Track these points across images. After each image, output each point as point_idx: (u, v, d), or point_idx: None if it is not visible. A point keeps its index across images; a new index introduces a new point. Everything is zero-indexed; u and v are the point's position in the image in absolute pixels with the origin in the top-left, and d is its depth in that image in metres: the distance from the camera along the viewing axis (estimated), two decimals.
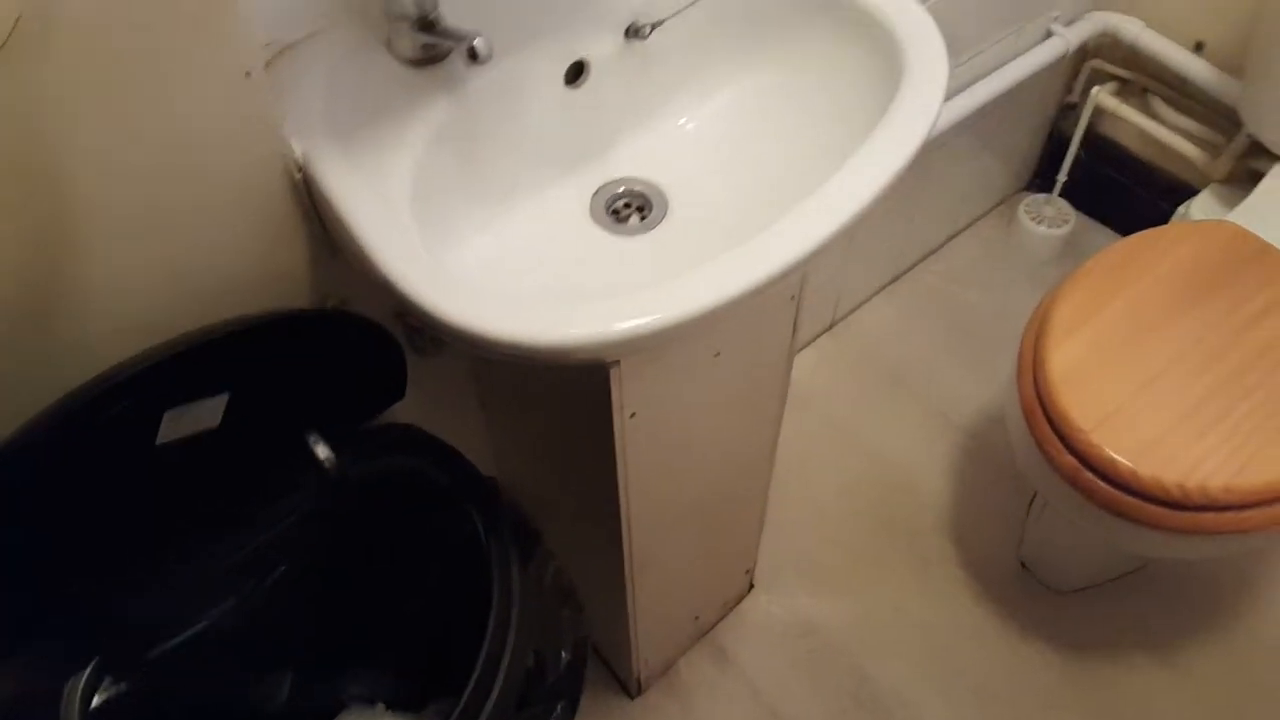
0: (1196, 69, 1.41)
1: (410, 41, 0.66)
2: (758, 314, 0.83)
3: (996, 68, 1.36)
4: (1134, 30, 1.45)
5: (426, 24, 0.65)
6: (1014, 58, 1.39)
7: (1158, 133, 1.50)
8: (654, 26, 0.77)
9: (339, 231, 0.62)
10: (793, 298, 0.87)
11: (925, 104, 0.68)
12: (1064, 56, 1.42)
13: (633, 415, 0.72)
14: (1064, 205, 1.68)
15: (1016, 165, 1.71)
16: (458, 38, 0.63)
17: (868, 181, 0.64)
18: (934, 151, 1.30)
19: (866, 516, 1.39)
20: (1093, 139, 1.61)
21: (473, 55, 0.61)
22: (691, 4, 0.78)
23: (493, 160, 0.71)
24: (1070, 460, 0.98)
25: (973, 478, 1.44)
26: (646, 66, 0.78)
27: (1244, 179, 1.37)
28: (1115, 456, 0.96)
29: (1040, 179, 1.74)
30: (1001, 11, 1.31)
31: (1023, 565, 1.34)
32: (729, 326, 0.79)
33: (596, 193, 0.77)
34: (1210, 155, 1.44)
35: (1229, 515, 0.95)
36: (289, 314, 0.68)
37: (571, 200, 0.77)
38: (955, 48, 1.22)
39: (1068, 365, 1.02)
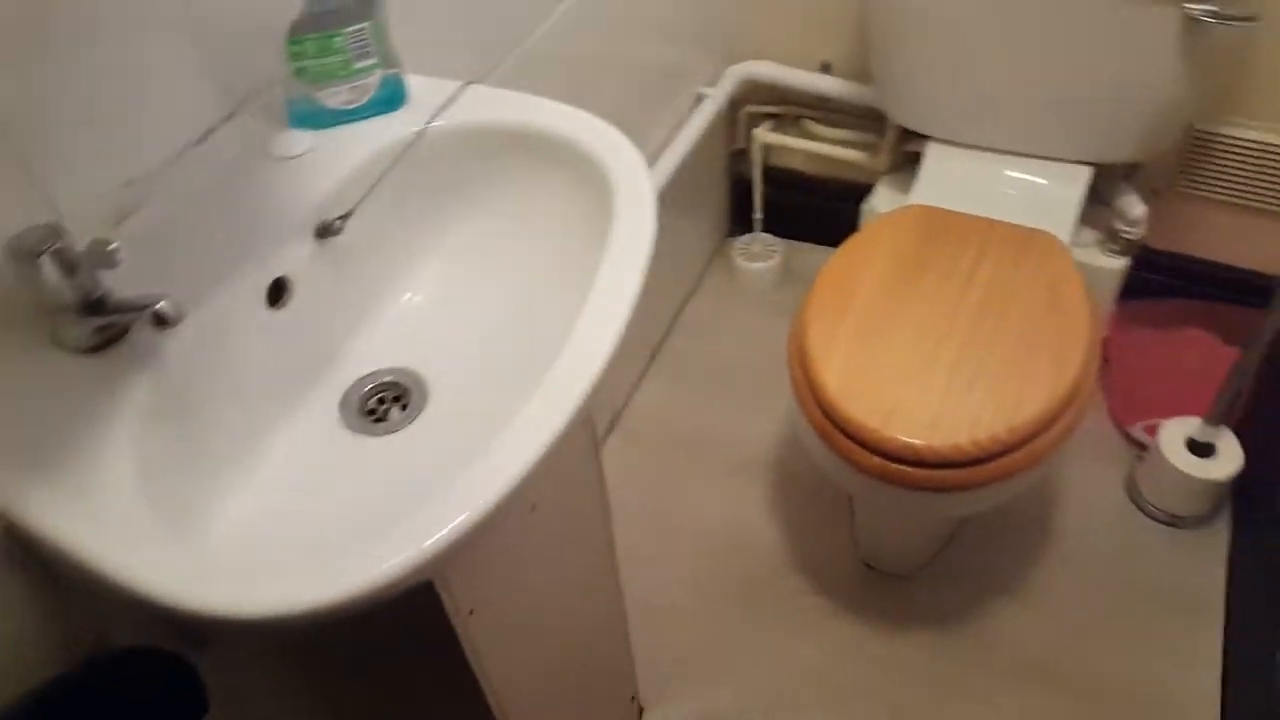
0: (830, 86, 1.57)
1: (80, 330, 0.59)
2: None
3: (666, 145, 1.45)
4: (768, 71, 1.59)
5: (94, 306, 0.58)
6: (678, 130, 1.48)
7: (821, 150, 1.64)
8: (343, 218, 0.74)
9: (67, 567, 0.53)
10: (585, 422, 0.86)
11: (640, 223, 0.70)
12: (720, 114, 1.53)
13: (471, 612, 0.68)
14: (768, 238, 1.79)
15: (715, 218, 1.82)
16: (137, 308, 0.57)
17: (625, 296, 0.65)
18: None
19: (720, 591, 1.39)
20: (771, 173, 1.74)
21: (160, 321, 0.56)
22: (376, 184, 0.76)
23: (218, 416, 0.65)
24: (875, 460, 1.03)
25: (794, 507, 1.48)
26: (349, 259, 0.76)
27: (906, 164, 1.52)
28: (911, 440, 1.01)
29: (741, 223, 1.86)
30: (649, 97, 1.39)
31: (868, 566, 1.39)
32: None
33: (343, 402, 0.73)
34: (872, 153, 1.59)
35: (1022, 452, 1.03)
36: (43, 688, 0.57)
37: (320, 418, 0.72)
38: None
39: (839, 380, 1.07)
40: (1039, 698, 1.25)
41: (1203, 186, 1.45)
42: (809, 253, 1.82)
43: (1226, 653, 1.27)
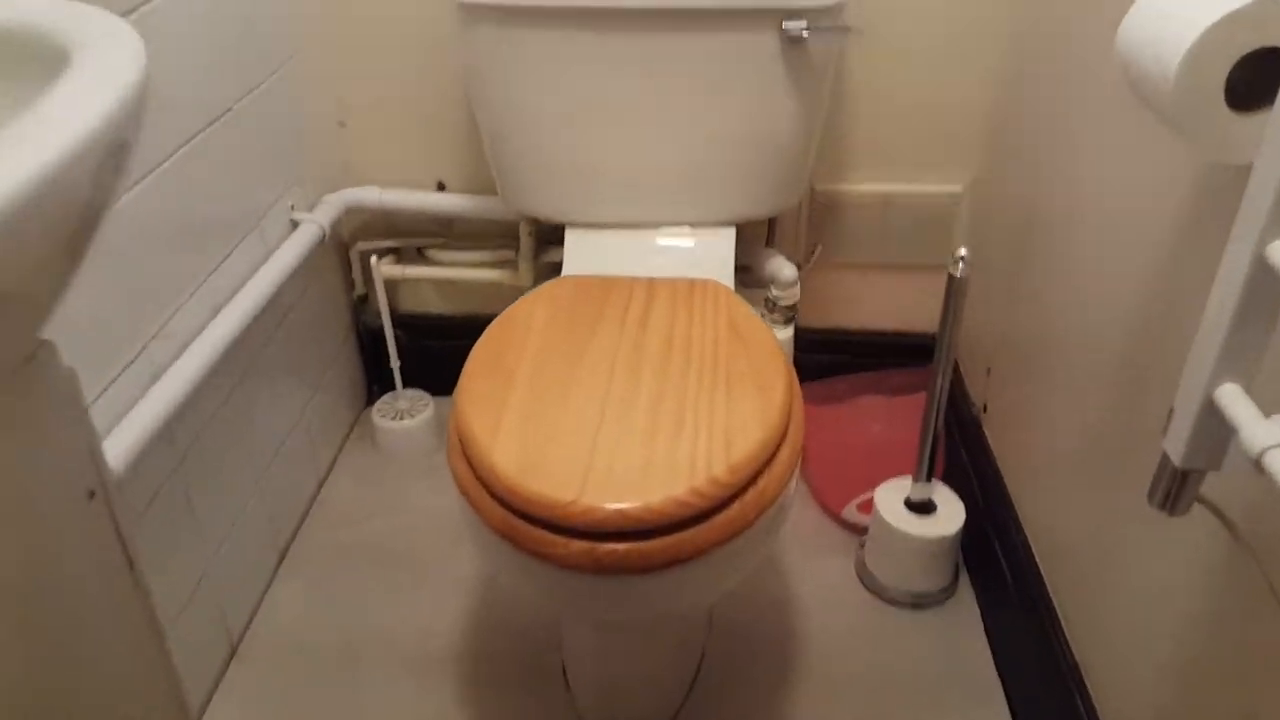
0: (451, 203, 1.39)
1: None
2: None
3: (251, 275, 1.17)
4: (375, 196, 1.39)
5: None
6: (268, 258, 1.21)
7: (455, 276, 1.45)
8: None
9: None
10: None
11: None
12: (323, 240, 1.29)
13: None
14: (415, 393, 1.53)
15: (348, 385, 1.53)
16: None
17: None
18: (247, 411, 1.07)
19: None
20: (405, 321, 1.51)
21: None
22: None
23: None
24: (579, 546, 0.76)
25: (499, 695, 1.14)
26: None
27: (550, 273, 1.36)
28: (620, 506, 0.76)
29: (379, 384, 1.58)
30: (224, 213, 1.12)
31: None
32: None
33: None
34: (512, 270, 1.41)
35: (750, 495, 0.82)
36: None
37: None
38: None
39: (515, 458, 0.81)
40: None
41: (838, 252, 1.43)
42: None
43: None
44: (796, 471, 0.90)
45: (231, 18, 1.11)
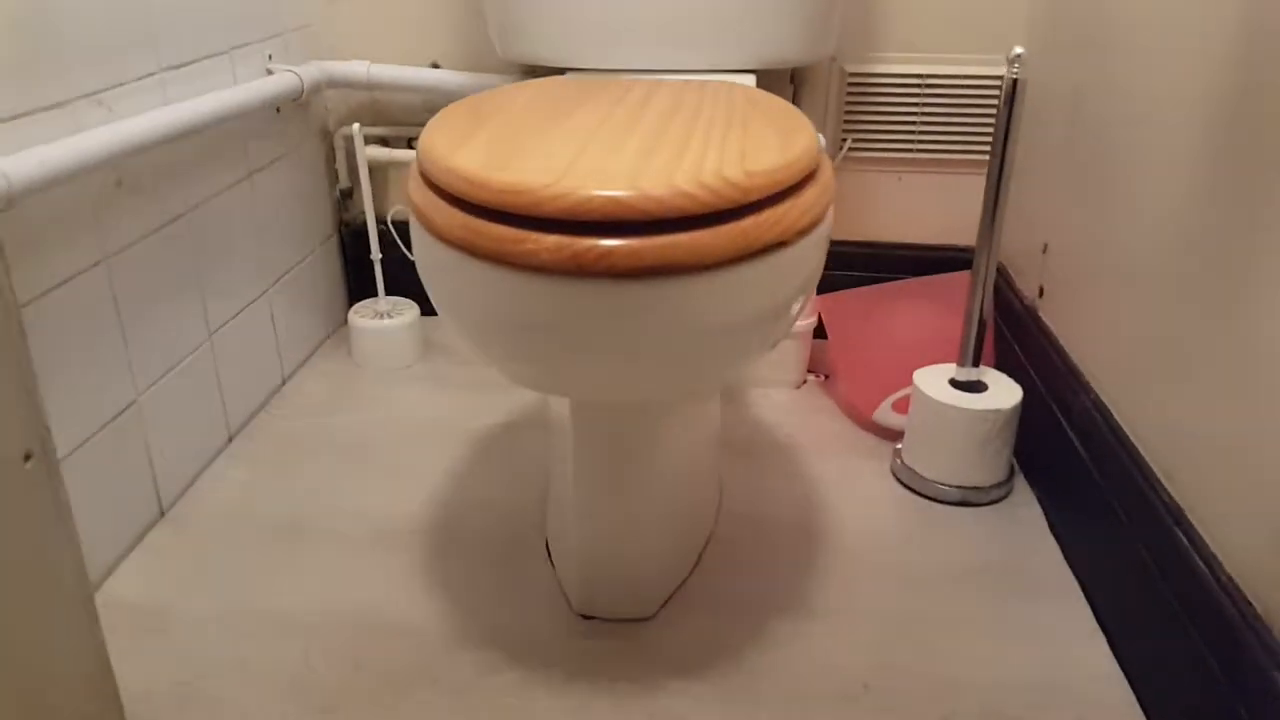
0: (444, 80, 1.28)
1: None
2: None
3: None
4: (362, 70, 1.27)
5: None
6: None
7: None
8: None
9: None
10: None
11: None
12: (300, 94, 1.17)
13: None
14: (400, 300, 1.38)
15: (324, 290, 1.38)
16: None
17: None
18: (195, 255, 0.93)
19: (361, 690, 0.80)
20: (395, 232, 1.38)
21: None
22: None
23: None
24: (553, 240, 0.60)
25: (465, 569, 0.95)
26: None
27: None
28: (612, 192, 0.61)
29: (359, 293, 1.44)
30: (208, 21, 1.01)
31: (585, 617, 0.88)
32: None
33: None
34: None
35: (767, 216, 0.65)
36: None
37: None
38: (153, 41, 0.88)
39: (481, 160, 0.66)
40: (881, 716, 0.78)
41: (870, 143, 1.29)
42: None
43: (1104, 622, 0.89)
44: (827, 221, 0.74)
45: None
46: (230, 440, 1.14)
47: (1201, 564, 0.72)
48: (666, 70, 1.09)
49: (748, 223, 0.64)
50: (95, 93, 0.86)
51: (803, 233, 0.69)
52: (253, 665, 0.83)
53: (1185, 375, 0.78)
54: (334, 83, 1.27)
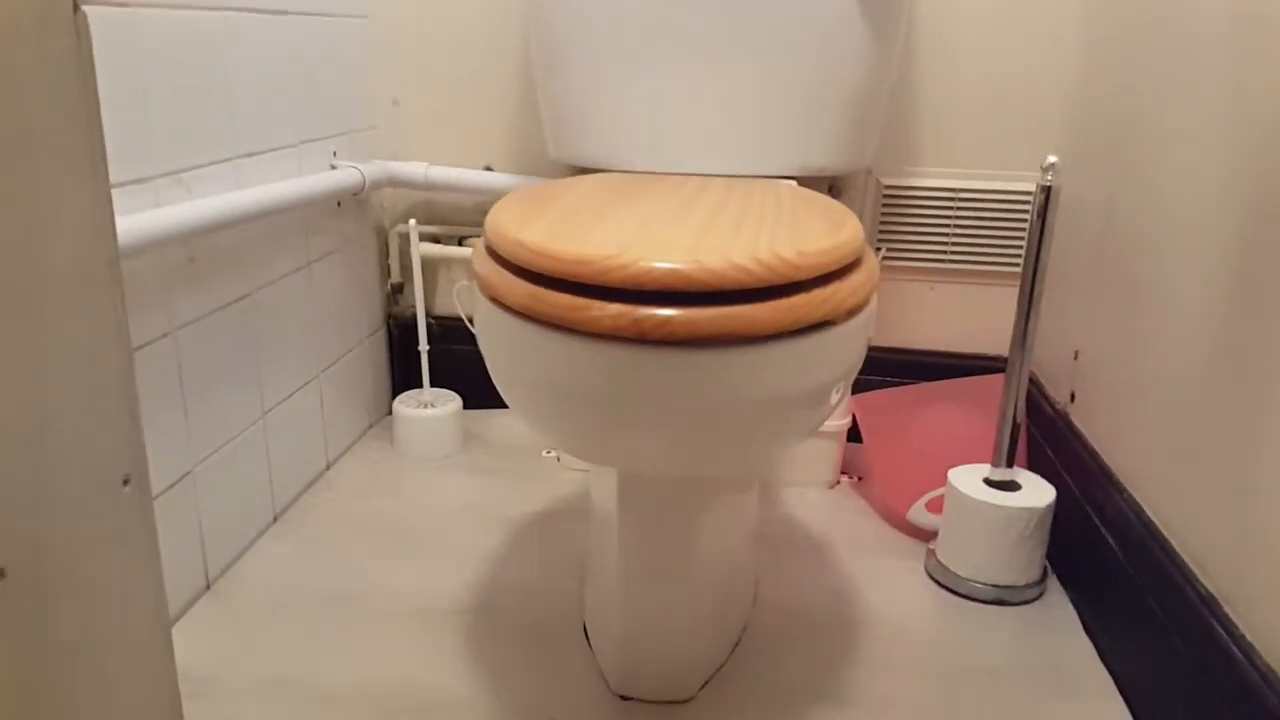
0: (497, 182, 1.35)
1: None
2: None
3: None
4: (420, 171, 1.35)
5: None
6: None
7: None
8: None
9: None
10: None
11: None
12: (361, 189, 1.25)
13: None
14: (443, 391, 1.42)
15: (370, 379, 1.43)
16: None
17: None
18: (252, 340, 1.00)
19: None
20: (440, 327, 1.43)
21: None
22: None
23: None
24: (615, 309, 0.64)
25: (501, 648, 0.96)
26: None
27: None
28: (671, 265, 0.65)
29: (405, 385, 1.48)
30: (281, 117, 1.09)
31: (623, 698, 0.88)
32: None
33: None
34: None
35: (819, 294, 0.69)
36: None
37: None
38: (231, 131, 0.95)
39: (545, 232, 0.71)
40: None
41: (904, 253, 1.34)
42: (494, 417, 1.46)
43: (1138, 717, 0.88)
44: (872, 306, 0.78)
45: None
46: (275, 519, 1.17)
47: (1240, 654, 0.72)
48: (710, 174, 1.16)
49: (798, 299, 0.68)
50: (176, 172, 0.93)
51: (850, 313, 0.72)
52: None
53: (1217, 474, 0.79)
54: (394, 181, 1.34)
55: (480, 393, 1.45)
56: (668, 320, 0.64)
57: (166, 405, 0.94)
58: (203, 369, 0.99)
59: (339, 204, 1.28)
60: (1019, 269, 1.34)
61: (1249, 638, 0.72)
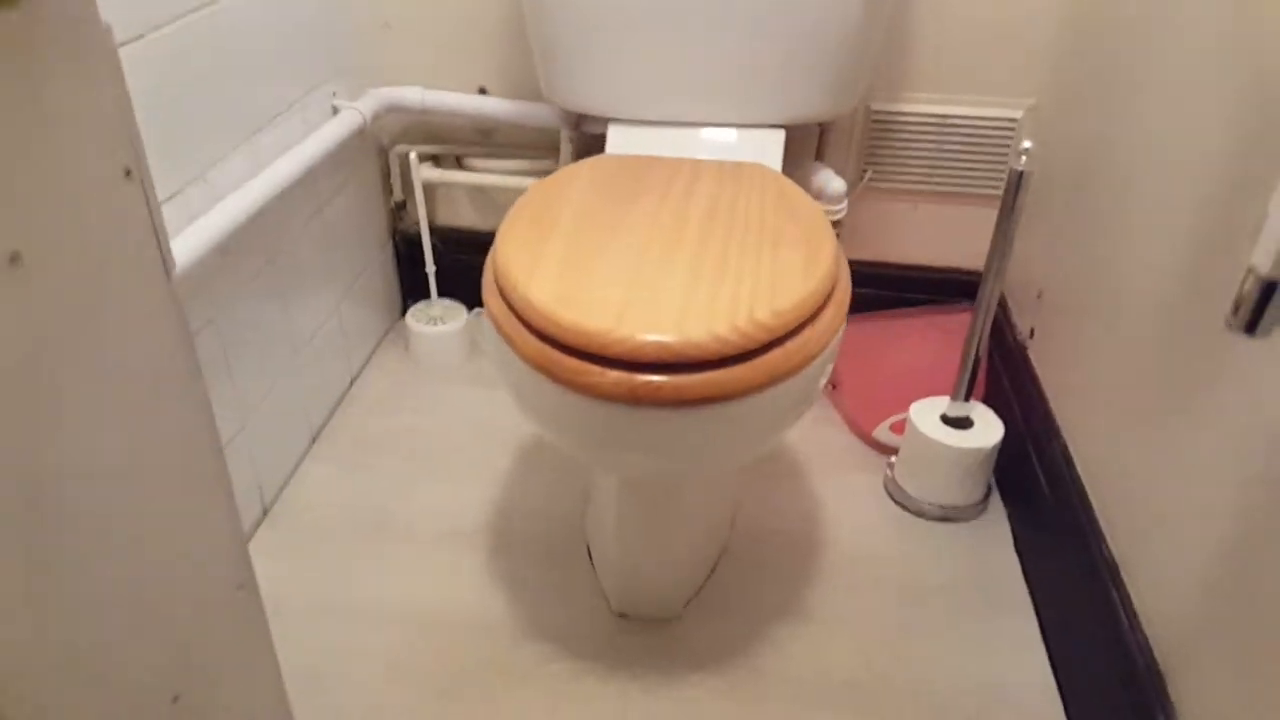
0: (490, 106, 1.39)
1: None
2: None
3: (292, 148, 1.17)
4: (416, 96, 1.38)
5: None
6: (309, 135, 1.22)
7: (493, 183, 1.44)
8: None
9: None
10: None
11: None
12: (363, 128, 1.29)
13: None
14: (449, 302, 1.53)
15: (384, 289, 1.53)
16: None
17: None
18: (280, 292, 1.07)
19: (442, 679, 0.99)
20: (442, 234, 1.51)
21: None
22: None
23: None
24: (614, 376, 0.75)
25: (521, 570, 1.13)
26: None
27: None
28: (660, 338, 0.75)
29: (414, 294, 1.58)
30: (268, 80, 1.13)
31: (621, 616, 1.07)
32: None
33: None
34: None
35: (793, 344, 0.80)
36: None
37: None
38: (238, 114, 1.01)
39: (552, 292, 0.80)
40: (858, 715, 0.96)
41: (889, 175, 1.41)
42: None
43: (1047, 639, 1.07)
44: (840, 335, 0.88)
45: None
46: (314, 440, 1.31)
47: (1125, 620, 0.89)
48: (702, 123, 1.21)
49: (776, 356, 0.79)
50: (199, 176, 0.99)
51: (824, 348, 0.83)
52: (359, 652, 1.01)
53: (1142, 444, 0.93)
54: (391, 109, 1.38)
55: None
56: (660, 387, 0.75)
57: (216, 381, 1.05)
58: (242, 340, 1.10)
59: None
60: (999, 193, 1.41)
61: (1136, 606, 0.89)
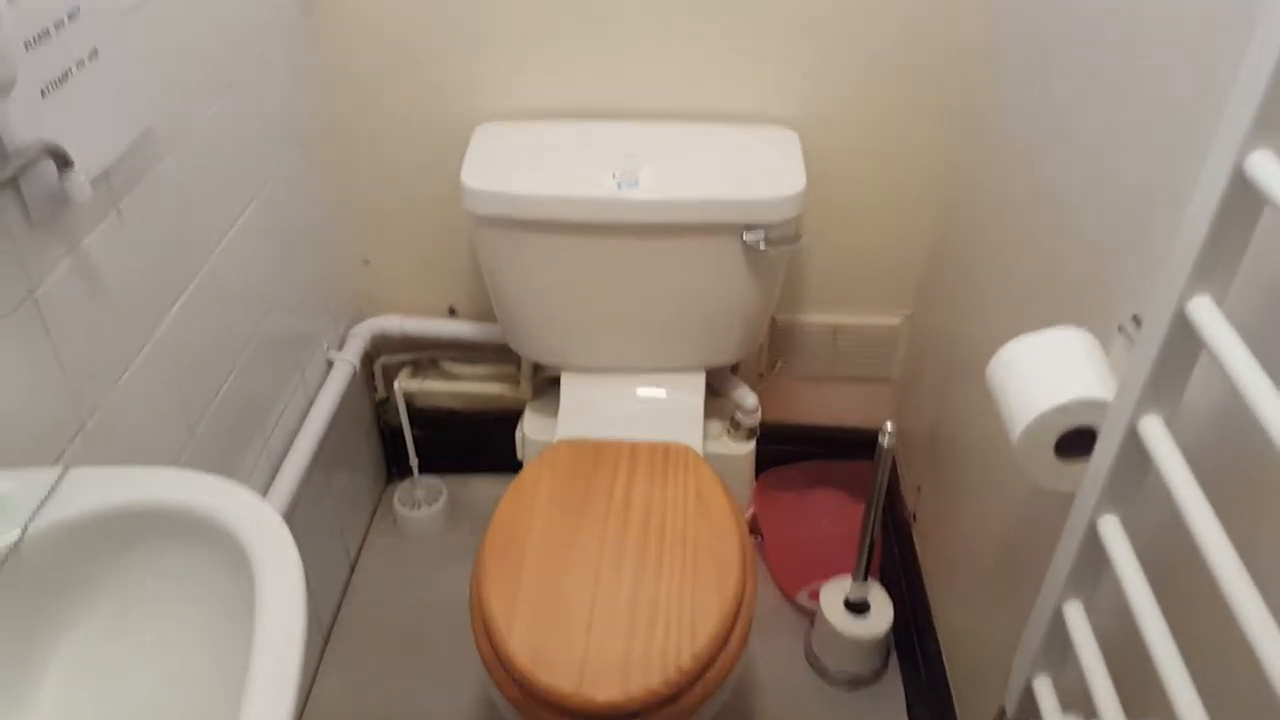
0: (460, 329, 1.61)
1: None
2: None
3: (303, 420, 1.39)
4: (396, 324, 1.59)
5: None
6: (314, 397, 1.43)
7: (463, 388, 1.67)
8: None
9: None
10: None
11: (289, 609, 0.65)
12: (354, 376, 1.51)
13: None
14: (429, 480, 1.77)
15: (370, 471, 1.76)
16: None
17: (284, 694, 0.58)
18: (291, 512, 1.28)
19: None
20: (421, 415, 1.73)
21: None
22: None
23: None
24: None
25: None
26: None
27: (548, 389, 1.58)
28: (610, 700, 1.01)
29: (398, 469, 1.82)
30: (279, 366, 1.34)
31: None
32: None
33: None
34: (513, 384, 1.63)
35: (712, 673, 1.07)
36: None
37: None
38: (255, 411, 1.24)
39: (526, 647, 1.06)
40: None
41: (794, 368, 1.65)
42: (474, 484, 1.81)
43: None
44: (748, 644, 1.14)
45: (296, 225, 1.31)
46: (326, 644, 1.56)
47: None
48: (639, 368, 1.44)
49: (698, 689, 1.06)
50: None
51: (732, 666, 1.09)
52: None
53: (987, 613, 1.21)
54: (374, 337, 1.59)
55: (463, 463, 1.79)
56: None
57: None
58: None
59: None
60: (888, 375, 1.66)
61: None
